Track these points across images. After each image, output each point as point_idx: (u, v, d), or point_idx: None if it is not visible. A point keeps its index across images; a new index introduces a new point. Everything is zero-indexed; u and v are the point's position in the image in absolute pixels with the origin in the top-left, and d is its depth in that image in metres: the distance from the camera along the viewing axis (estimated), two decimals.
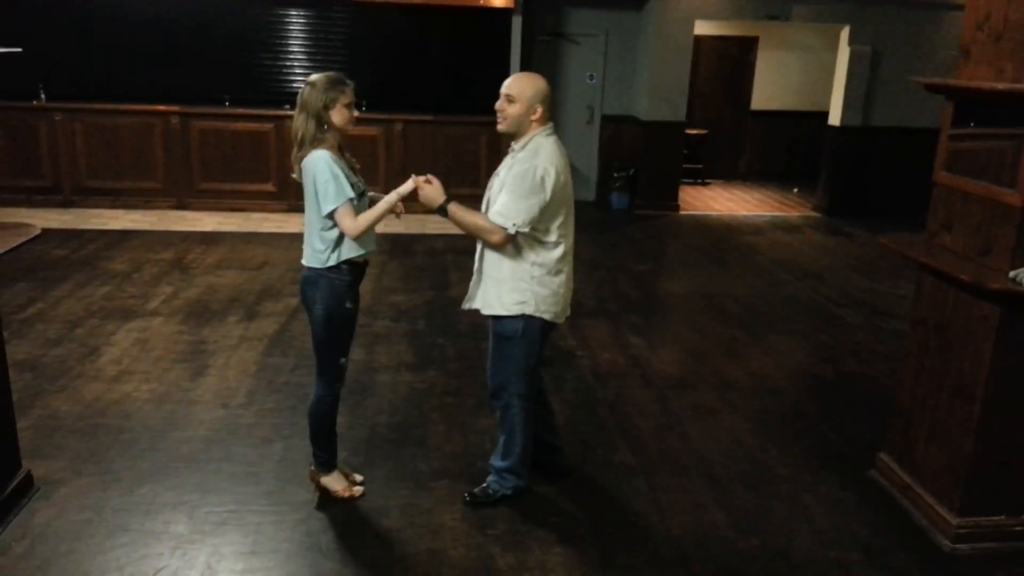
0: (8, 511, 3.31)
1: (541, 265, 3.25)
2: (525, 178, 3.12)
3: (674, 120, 9.99)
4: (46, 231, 7.80)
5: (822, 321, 6.32)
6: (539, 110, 3.18)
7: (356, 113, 3.26)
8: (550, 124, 3.26)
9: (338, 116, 3.17)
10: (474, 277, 3.42)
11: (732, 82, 12.41)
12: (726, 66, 12.35)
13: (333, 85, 3.17)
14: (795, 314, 6.47)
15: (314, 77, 3.21)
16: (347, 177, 3.15)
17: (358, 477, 3.66)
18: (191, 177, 9.05)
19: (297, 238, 7.91)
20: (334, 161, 3.14)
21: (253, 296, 6.22)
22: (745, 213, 10.45)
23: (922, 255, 3.50)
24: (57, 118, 8.69)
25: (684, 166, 10.85)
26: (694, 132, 11.54)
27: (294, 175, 3.29)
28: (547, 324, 3.36)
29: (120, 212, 8.76)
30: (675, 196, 10.30)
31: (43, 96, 8.78)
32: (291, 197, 9.15)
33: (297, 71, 9.37)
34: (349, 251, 3.21)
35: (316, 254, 3.22)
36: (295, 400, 4.48)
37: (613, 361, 5.29)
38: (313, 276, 3.25)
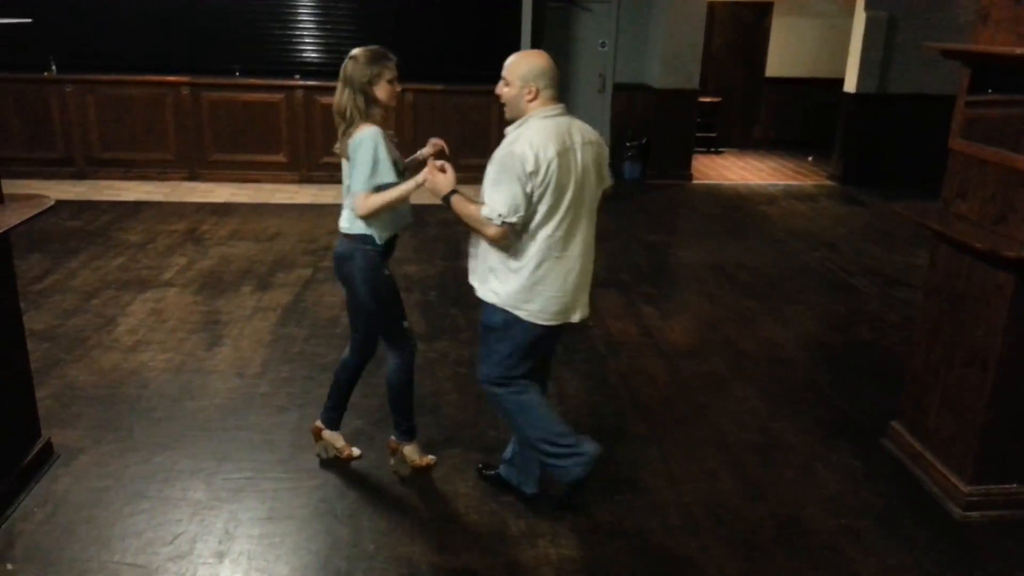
0: (30, 478, 3.37)
1: (516, 257, 2.95)
2: (502, 164, 2.84)
3: (687, 88, 9.88)
4: (60, 203, 7.76)
5: (835, 290, 6.30)
6: (533, 89, 2.88)
7: (399, 88, 3.22)
8: (554, 106, 2.93)
9: (382, 91, 3.15)
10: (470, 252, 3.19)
11: (746, 49, 12.25)
12: (740, 32, 12.19)
13: (376, 60, 3.14)
14: (808, 283, 6.45)
15: (356, 51, 3.18)
16: (391, 157, 3.13)
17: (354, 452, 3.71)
18: (203, 148, 9.06)
19: (309, 209, 7.98)
20: (382, 140, 3.11)
21: (266, 267, 6.25)
22: (759, 182, 10.37)
23: (936, 223, 3.47)
24: (68, 90, 8.69)
25: (697, 134, 10.75)
26: (707, 100, 11.43)
27: (336, 150, 3.24)
28: (537, 328, 3.03)
29: (133, 183, 8.79)
30: (688, 165, 10.23)
31: (54, 68, 8.77)
32: (303, 168, 9.15)
33: (307, 41, 9.31)
34: (380, 227, 3.21)
35: (347, 224, 3.24)
36: (309, 369, 4.52)
37: (625, 331, 5.30)
38: (347, 251, 3.25)
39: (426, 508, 3.34)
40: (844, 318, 5.72)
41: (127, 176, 8.94)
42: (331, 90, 9.57)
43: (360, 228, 3.20)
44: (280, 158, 9.16)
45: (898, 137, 10.03)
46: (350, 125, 3.16)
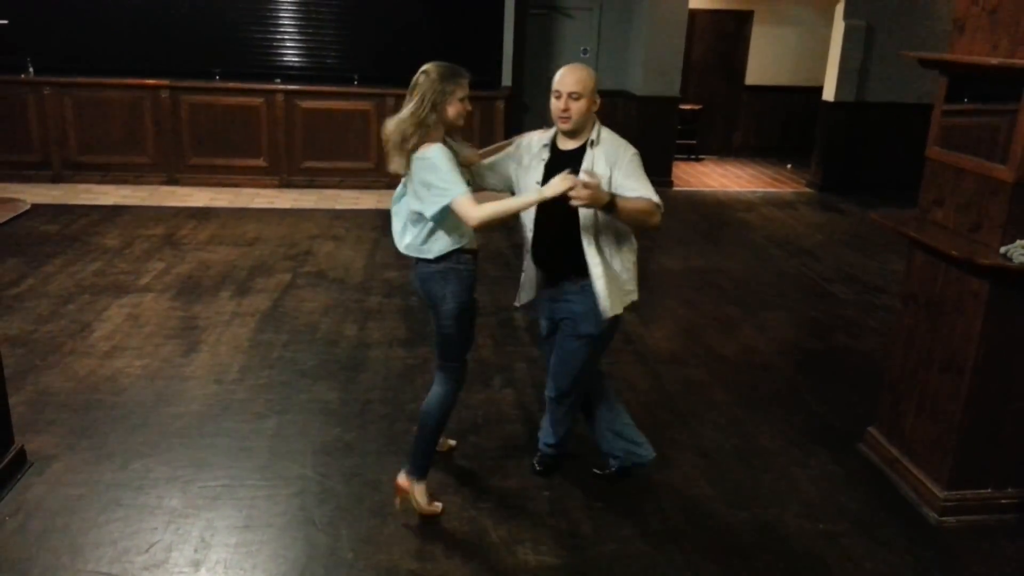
0: (1, 486, 3.32)
1: (635, 252, 3.32)
2: (639, 160, 3.13)
3: (668, 95, 9.93)
4: (36, 206, 7.74)
5: (814, 297, 6.34)
6: (597, 101, 3.13)
7: (469, 106, 3.07)
8: None
9: (452, 110, 3.00)
10: (604, 282, 3.18)
11: (727, 57, 12.34)
12: (721, 41, 12.27)
13: (450, 77, 2.98)
14: (787, 290, 6.49)
15: (429, 66, 3.01)
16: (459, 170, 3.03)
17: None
18: (182, 152, 8.98)
19: (289, 213, 7.93)
20: (449, 156, 2.98)
21: (245, 272, 6.20)
22: (738, 189, 10.43)
23: (913, 231, 3.51)
24: (46, 92, 8.60)
25: (678, 142, 10.81)
26: (688, 107, 11.49)
27: (395, 168, 3.05)
28: None
29: (110, 187, 8.70)
30: (669, 172, 10.27)
31: (31, 70, 8.67)
32: (283, 172, 9.10)
33: (288, 44, 9.27)
34: (457, 240, 3.09)
35: (429, 245, 3.10)
36: (288, 375, 4.49)
37: None
38: (440, 270, 3.12)
39: (405, 515, 3.31)
40: (822, 324, 5.76)
41: (105, 180, 8.85)
42: (311, 94, 9.51)
43: (437, 252, 3.09)
44: (260, 162, 9.10)
45: (876, 145, 10.13)
46: (409, 141, 2.97)
